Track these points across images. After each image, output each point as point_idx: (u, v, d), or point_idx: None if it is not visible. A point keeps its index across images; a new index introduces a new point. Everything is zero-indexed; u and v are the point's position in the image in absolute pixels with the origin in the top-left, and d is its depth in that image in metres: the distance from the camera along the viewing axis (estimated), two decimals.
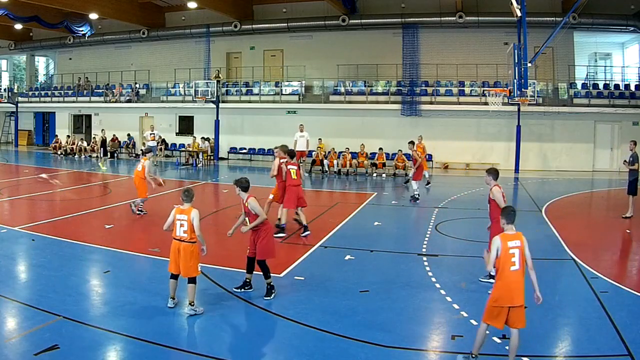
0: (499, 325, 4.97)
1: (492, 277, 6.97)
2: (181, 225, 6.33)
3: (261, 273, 6.85)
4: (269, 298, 6.77)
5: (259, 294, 6.91)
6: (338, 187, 18.70)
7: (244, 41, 28.25)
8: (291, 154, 10.67)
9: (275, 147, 10.96)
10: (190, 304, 6.31)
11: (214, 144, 26.32)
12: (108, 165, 23.85)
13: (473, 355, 5.09)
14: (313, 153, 22.76)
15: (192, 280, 6.33)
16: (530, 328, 5.89)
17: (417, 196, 14.56)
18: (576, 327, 6.20)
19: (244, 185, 6.84)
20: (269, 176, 10.69)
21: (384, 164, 22.06)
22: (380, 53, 25.31)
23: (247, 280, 7.08)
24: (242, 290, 7.02)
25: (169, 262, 6.48)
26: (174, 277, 6.46)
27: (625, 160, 12.92)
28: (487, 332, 5.10)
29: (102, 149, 26.49)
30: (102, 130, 27.78)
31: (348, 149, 22.19)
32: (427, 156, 24.09)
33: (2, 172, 20.35)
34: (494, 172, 7.44)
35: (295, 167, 10.44)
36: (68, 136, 29.25)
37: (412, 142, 15.10)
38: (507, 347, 5.12)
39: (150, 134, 23.19)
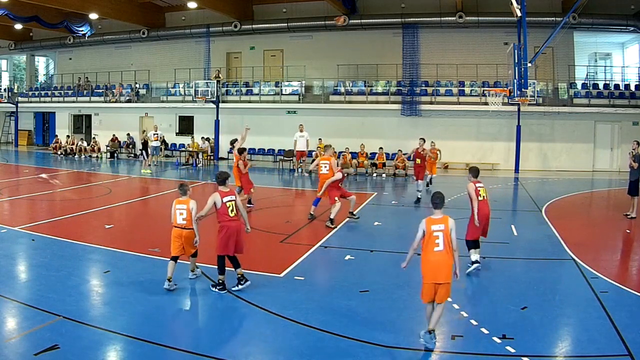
0: (426, 300, 5.45)
1: (473, 262, 7.93)
2: (180, 214, 7.01)
3: (262, 273, 6.86)
4: (215, 290, 7.01)
5: (260, 294, 6.92)
6: None
7: (244, 41, 28.25)
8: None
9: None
10: (192, 271, 7.42)
11: (214, 144, 26.32)
12: (153, 169, 21.93)
13: (430, 332, 5.41)
14: (313, 153, 22.73)
15: (194, 255, 7.27)
16: (530, 328, 5.91)
17: (420, 196, 14.78)
18: (576, 327, 6.19)
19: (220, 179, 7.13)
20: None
21: (384, 164, 22.04)
22: (380, 53, 25.31)
23: (239, 275, 7.06)
24: (240, 286, 7.01)
25: (172, 248, 7.06)
26: (175, 259, 7.05)
27: (631, 153, 12.76)
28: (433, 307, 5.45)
29: (143, 151, 22.45)
30: (144, 131, 24.50)
31: (348, 148, 22.18)
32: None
33: (2, 172, 20.35)
34: (473, 171, 8.39)
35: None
36: (68, 136, 29.25)
37: (423, 139, 15.41)
38: (430, 318, 5.47)
39: (154, 134, 23.17)
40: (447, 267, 5.38)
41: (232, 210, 6.88)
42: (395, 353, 5.39)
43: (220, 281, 7.00)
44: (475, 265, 8.01)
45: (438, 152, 17.04)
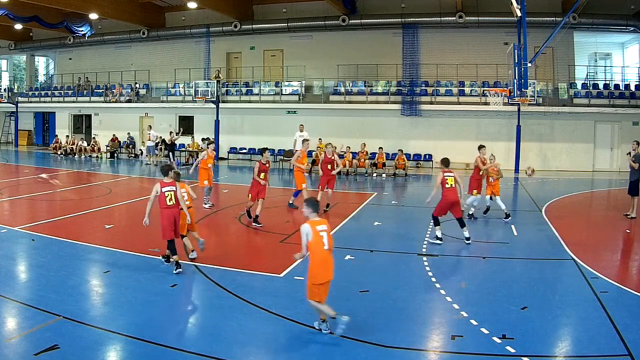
0: (321, 300, 5.63)
1: (437, 238, 9.23)
2: (182, 197, 7.92)
3: (262, 273, 6.85)
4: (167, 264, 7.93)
5: (260, 294, 6.92)
6: (338, 187, 18.67)
7: (244, 41, 28.25)
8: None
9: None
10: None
11: (213, 143, 26.29)
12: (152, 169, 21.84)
13: (323, 320, 5.72)
14: (313, 153, 22.72)
15: (184, 236, 8.15)
16: (530, 328, 5.91)
17: (471, 212, 12.46)
18: (576, 327, 6.19)
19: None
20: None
21: (384, 164, 22.01)
22: (380, 53, 25.32)
23: (175, 260, 7.79)
24: (170, 264, 7.80)
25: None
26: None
27: (630, 153, 12.76)
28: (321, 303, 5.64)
29: (170, 152, 22.65)
30: (171, 132, 23.98)
31: (349, 148, 22.14)
32: (427, 156, 24.18)
33: (2, 172, 20.35)
34: (444, 162, 9.77)
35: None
36: (67, 136, 29.27)
37: (483, 146, 13.05)
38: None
39: (149, 133, 23.17)
40: (332, 265, 5.84)
41: (170, 199, 7.70)
42: (395, 353, 5.39)
43: (173, 260, 7.76)
44: (437, 241, 9.57)
45: (498, 167, 13.07)
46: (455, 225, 10.03)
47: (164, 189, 7.72)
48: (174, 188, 7.78)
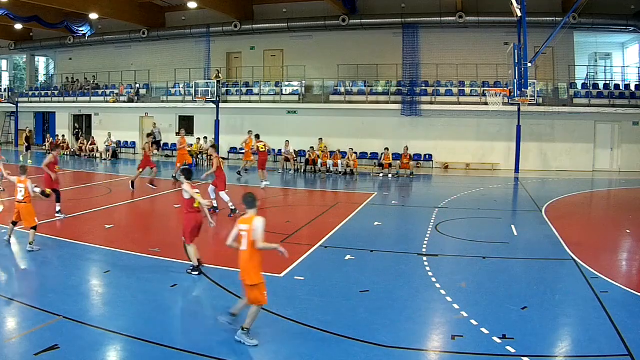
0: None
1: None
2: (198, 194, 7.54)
3: (262, 273, 6.82)
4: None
5: None
6: (338, 187, 18.69)
7: (244, 41, 28.25)
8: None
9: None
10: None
11: (214, 142, 26.33)
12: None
13: (234, 315, 5.71)
14: (307, 153, 22.72)
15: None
16: (530, 328, 5.91)
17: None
18: (576, 327, 6.19)
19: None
20: None
21: (390, 164, 21.87)
22: (380, 53, 25.32)
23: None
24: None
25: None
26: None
27: None
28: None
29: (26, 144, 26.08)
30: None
31: (352, 149, 22.07)
32: (427, 156, 24.20)
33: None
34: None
35: None
36: (63, 136, 29.32)
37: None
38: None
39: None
40: (247, 269, 5.47)
41: (196, 203, 7.54)
42: (395, 353, 5.39)
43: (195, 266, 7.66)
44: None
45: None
46: (455, 224, 10.03)
47: (193, 192, 7.53)
48: (198, 191, 7.69)
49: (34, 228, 8.71)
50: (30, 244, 8.62)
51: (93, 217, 11.90)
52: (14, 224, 8.96)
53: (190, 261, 7.74)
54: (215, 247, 9.79)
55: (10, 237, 9.07)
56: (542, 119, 22.67)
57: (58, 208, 11.56)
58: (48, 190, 10.93)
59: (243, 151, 20.93)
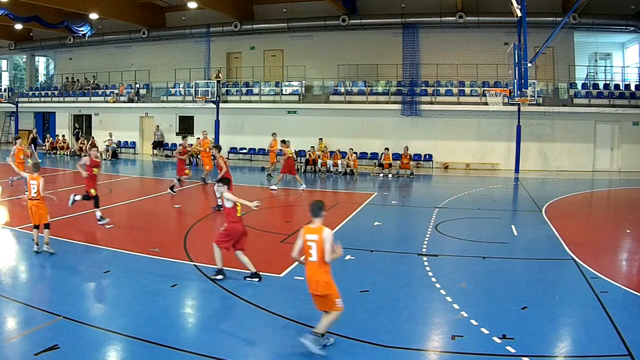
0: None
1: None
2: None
3: (262, 273, 6.85)
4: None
5: (260, 294, 6.92)
6: (338, 187, 18.69)
7: (244, 41, 28.25)
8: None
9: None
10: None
11: (214, 142, 26.34)
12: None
13: (316, 333, 5.32)
14: (307, 153, 22.71)
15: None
16: (530, 328, 5.91)
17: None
18: (576, 327, 6.19)
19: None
20: None
21: (390, 164, 21.87)
22: (380, 53, 25.31)
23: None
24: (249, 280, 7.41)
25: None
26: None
27: None
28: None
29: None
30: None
31: (352, 149, 22.07)
32: (427, 156, 24.21)
33: (2, 172, 20.33)
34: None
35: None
36: (63, 136, 29.33)
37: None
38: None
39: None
40: (316, 279, 5.30)
41: (239, 212, 7.31)
42: (395, 353, 5.39)
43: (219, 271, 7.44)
44: None
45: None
46: (455, 224, 10.04)
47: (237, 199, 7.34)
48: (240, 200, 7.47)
49: (47, 227, 8.52)
50: (46, 244, 8.46)
51: (93, 217, 11.88)
52: (36, 227, 8.55)
53: (247, 269, 7.46)
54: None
55: (37, 244, 8.55)
56: (542, 119, 22.68)
57: (99, 214, 10.86)
58: (93, 191, 10.80)
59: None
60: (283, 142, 17.96)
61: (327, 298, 5.30)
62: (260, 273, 7.47)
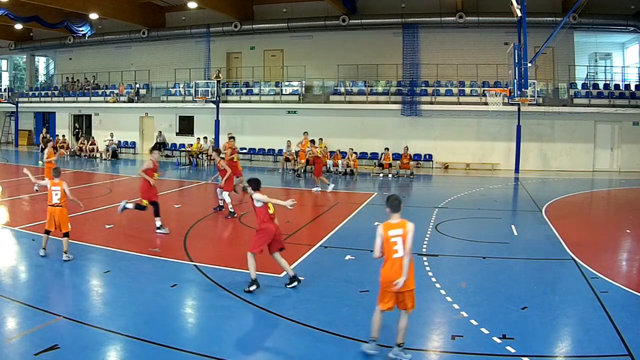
0: (388, 308, 5.20)
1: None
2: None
3: (262, 273, 6.83)
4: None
5: (260, 294, 6.92)
6: (338, 187, 18.68)
7: (244, 41, 28.26)
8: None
9: None
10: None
11: (214, 144, 26.34)
12: None
13: (373, 338, 5.24)
14: (307, 153, 22.68)
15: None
16: (530, 328, 5.91)
17: None
18: (576, 327, 6.19)
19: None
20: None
21: (390, 164, 21.87)
22: (380, 53, 25.32)
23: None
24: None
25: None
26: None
27: None
28: (381, 315, 5.26)
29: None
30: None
31: (352, 149, 22.07)
32: (427, 156, 24.20)
33: (2, 172, 20.36)
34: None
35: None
36: (64, 136, 29.35)
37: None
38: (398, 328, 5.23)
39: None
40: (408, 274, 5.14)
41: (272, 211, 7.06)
42: None
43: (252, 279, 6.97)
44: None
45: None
46: (455, 224, 10.03)
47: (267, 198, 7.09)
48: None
49: (67, 235, 8.18)
50: (65, 252, 8.14)
51: (93, 217, 11.90)
52: (48, 232, 8.25)
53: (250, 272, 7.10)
54: (215, 247, 9.80)
55: (45, 249, 8.33)
56: (542, 119, 22.68)
57: (158, 223, 10.08)
58: (145, 202, 9.98)
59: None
60: (312, 142, 17.81)
61: (413, 293, 5.22)
62: (260, 273, 7.46)
